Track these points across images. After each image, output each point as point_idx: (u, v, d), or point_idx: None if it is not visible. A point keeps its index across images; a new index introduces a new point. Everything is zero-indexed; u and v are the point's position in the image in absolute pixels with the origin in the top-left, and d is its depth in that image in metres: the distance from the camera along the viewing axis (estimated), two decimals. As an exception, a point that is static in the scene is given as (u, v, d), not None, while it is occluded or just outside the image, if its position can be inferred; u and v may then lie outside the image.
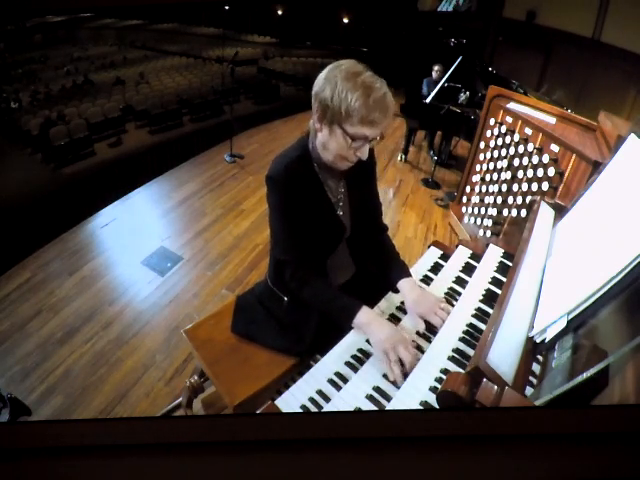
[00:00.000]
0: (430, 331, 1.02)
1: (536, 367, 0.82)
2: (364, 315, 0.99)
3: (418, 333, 1.03)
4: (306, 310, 1.13)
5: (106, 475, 0.86)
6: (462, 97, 3.72)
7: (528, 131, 2.33)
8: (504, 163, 2.53)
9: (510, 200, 2.44)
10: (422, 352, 0.97)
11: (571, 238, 1.09)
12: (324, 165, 1.05)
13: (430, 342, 0.99)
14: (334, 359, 0.98)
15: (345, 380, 0.93)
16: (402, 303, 1.13)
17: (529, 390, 0.78)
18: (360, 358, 0.98)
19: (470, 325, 1.01)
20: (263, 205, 3.17)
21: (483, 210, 2.72)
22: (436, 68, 3.93)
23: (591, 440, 0.80)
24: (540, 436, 0.81)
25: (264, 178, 1.04)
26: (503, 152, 2.57)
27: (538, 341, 0.84)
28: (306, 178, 1.03)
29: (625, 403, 0.63)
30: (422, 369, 0.91)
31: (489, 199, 2.66)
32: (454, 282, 1.18)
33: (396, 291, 1.13)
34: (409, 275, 1.12)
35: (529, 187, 2.25)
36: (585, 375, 0.66)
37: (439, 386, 0.84)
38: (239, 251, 2.65)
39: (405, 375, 0.90)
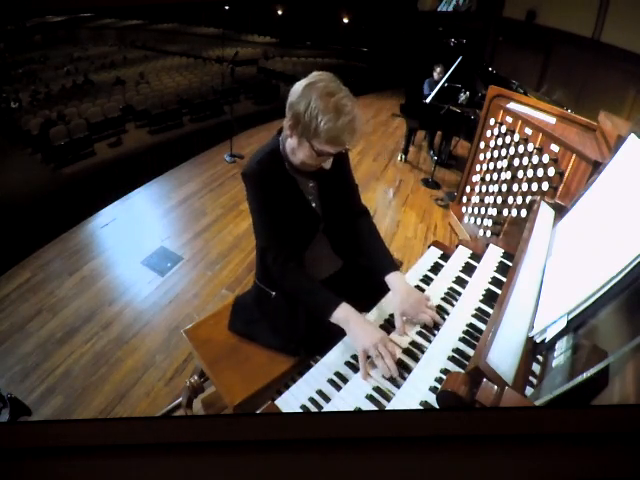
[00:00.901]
0: (430, 331, 1.02)
1: (536, 367, 0.82)
2: (343, 312, 1.00)
3: (419, 333, 1.02)
4: (294, 307, 1.15)
5: (106, 475, 0.86)
6: (462, 97, 3.72)
7: (528, 131, 2.33)
8: (504, 163, 2.53)
9: (510, 200, 2.43)
10: (422, 352, 0.97)
11: (571, 238, 1.09)
12: (291, 162, 1.09)
13: (430, 342, 0.99)
14: (334, 359, 0.98)
15: (345, 380, 0.93)
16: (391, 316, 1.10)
17: (529, 390, 0.78)
18: (360, 358, 0.98)
19: (470, 325, 1.01)
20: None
21: (483, 210, 2.72)
22: (438, 69, 3.93)
23: (591, 440, 0.80)
24: (540, 436, 0.81)
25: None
26: (503, 152, 2.56)
27: (538, 341, 0.84)
28: (277, 173, 1.08)
29: (625, 403, 0.63)
30: (422, 369, 0.91)
31: (489, 199, 2.66)
32: (454, 282, 1.18)
33: (384, 287, 1.12)
34: (396, 268, 1.11)
35: (529, 187, 2.25)
36: (585, 375, 0.66)
37: (439, 386, 0.84)
38: (239, 251, 2.65)
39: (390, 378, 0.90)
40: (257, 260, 1.23)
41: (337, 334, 1.03)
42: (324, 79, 0.98)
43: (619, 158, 1.12)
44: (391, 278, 1.09)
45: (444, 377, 0.84)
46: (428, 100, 3.70)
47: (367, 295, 1.14)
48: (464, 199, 3.05)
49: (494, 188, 2.61)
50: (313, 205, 1.14)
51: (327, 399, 0.89)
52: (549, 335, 0.83)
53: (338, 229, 1.21)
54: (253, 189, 1.08)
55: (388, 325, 1.07)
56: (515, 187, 2.37)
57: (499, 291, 1.09)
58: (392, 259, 1.15)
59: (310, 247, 1.17)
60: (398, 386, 0.89)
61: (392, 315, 1.09)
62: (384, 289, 1.11)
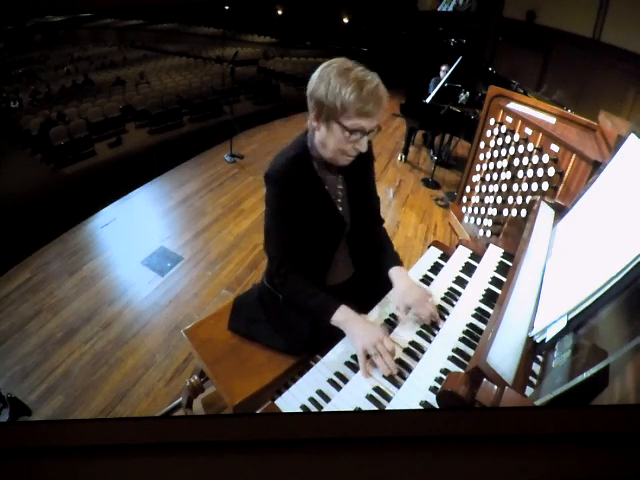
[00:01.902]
0: (430, 331, 1.02)
1: (536, 367, 0.82)
2: (341, 314, 1.00)
3: (419, 333, 1.02)
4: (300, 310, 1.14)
5: (106, 475, 0.86)
6: (462, 97, 3.72)
7: (528, 131, 2.33)
8: (504, 163, 2.53)
9: (510, 200, 2.43)
10: (422, 352, 0.97)
11: (571, 238, 1.09)
12: (323, 162, 1.06)
13: (430, 342, 0.99)
14: (334, 359, 0.98)
15: (345, 380, 0.93)
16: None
17: (529, 390, 0.78)
18: (360, 358, 0.98)
19: (470, 325, 1.01)
20: (263, 205, 3.15)
21: (483, 210, 2.72)
22: (443, 68, 3.93)
23: (591, 440, 0.80)
24: (540, 436, 0.81)
25: (263, 177, 1.06)
26: (503, 152, 2.56)
27: (538, 341, 0.84)
28: (305, 176, 1.05)
29: (625, 403, 0.63)
30: (422, 369, 0.91)
31: (489, 199, 2.66)
32: (454, 282, 1.18)
33: (388, 284, 1.13)
34: (399, 263, 1.13)
35: (529, 187, 2.25)
36: (585, 375, 0.66)
37: (439, 386, 0.84)
38: (239, 251, 2.65)
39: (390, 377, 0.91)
40: (267, 264, 1.22)
41: (338, 334, 1.03)
42: (338, 60, 0.97)
43: (619, 158, 1.12)
44: (394, 272, 1.10)
45: (444, 377, 0.84)
46: (428, 100, 3.70)
47: (374, 302, 1.14)
48: (464, 199, 3.05)
49: (494, 188, 2.61)
50: (340, 209, 1.11)
51: (327, 399, 0.89)
52: (549, 335, 0.83)
53: (360, 236, 1.19)
54: (276, 193, 1.04)
55: (389, 324, 1.07)
56: (515, 187, 2.37)
57: (499, 291, 1.09)
58: (397, 256, 1.16)
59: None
60: (398, 386, 0.89)
61: (392, 315, 1.09)
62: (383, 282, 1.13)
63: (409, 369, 0.92)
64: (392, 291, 1.11)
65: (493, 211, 2.58)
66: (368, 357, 0.94)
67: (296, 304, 1.09)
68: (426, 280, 1.20)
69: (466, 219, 2.92)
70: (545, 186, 2.12)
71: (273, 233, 1.10)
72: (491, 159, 2.70)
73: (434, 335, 1.00)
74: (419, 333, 1.02)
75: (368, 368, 0.93)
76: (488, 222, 2.64)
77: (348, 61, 0.97)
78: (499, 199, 2.55)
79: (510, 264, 1.17)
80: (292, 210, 1.04)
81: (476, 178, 2.86)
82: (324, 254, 1.14)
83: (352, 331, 0.98)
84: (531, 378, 0.81)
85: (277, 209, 1.06)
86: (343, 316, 1.00)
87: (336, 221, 1.12)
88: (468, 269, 1.22)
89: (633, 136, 1.09)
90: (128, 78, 5.90)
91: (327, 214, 1.10)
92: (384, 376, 0.92)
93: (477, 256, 1.27)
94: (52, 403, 1.69)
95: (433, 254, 1.31)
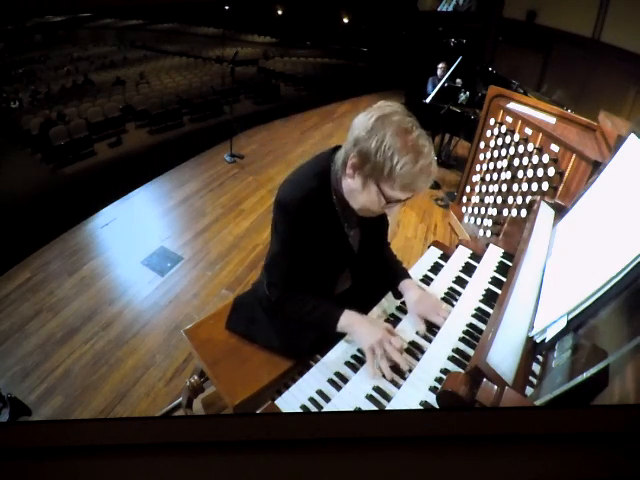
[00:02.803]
0: (430, 331, 1.03)
1: (536, 367, 0.82)
2: (345, 318, 1.00)
3: (418, 333, 1.03)
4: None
5: (106, 475, 0.86)
6: (462, 97, 3.72)
7: (528, 131, 2.33)
8: (504, 163, 2.53)
9: (510, 200, 2.43)
10: (422, 352, 0.97)
11: (571, 238, 1.09)
12: (344, 202, 1.00)
13: (430, 342, 0.99)
14: (334, 359, 0.98)
15: (345, 380, 0.93)
16: (403, 303, 1.13)
17: (529, 390, 0.78)
18: (360, 358, 0.98)
19: (470, 325, 1.01)
20: (263, 205, 3.17)
21: (483, 210, 2.72)
22: (440, 65, 3.92)
23: (591, 440, 0.80)
24: (540, 436, 0.81)
25: (274, 203, 1.00)
26: (503, 152, 2.56)
27: (538, 341, 0.84)
28: (322, 210, 0.99)
29: (625, 403, 0.63)
30: (422, 369, 0.91)
31: (489, 199, 2.66)
32: (454, 282, 1.18)
33: (398, 295, 1.14)
34: (409, 277, 1.13)
35: (529, 187, 2.25)
36: (585, 375, 0.66)
37: (439, 386, 0.84)
38: (239, 251, 2.65)
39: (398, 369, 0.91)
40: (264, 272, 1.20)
41: (337, 335, 1.03)
42: (398, 111, 0.88)
43: (619, 158, 1.12)
44: (405, 283, 1.10)
45: (444, 377, 0.84)
46: (428, 100, 3.70)
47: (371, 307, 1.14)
48: (464, 199, 3.05)
49: (494, 188, 2.61)
50: (350, 240, 1.08)
51: (327, 399, 0.89)
52: (549, 335, 0.83)
53: (366, 265, 1.17)
54: (288, 223, 0.98)
55: (392, 321, 1.08)
56: (515, 187, 2.37)
57: (499, 291, 1.09)
58: (405, 270, 1.15)
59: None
60: (398, 386, 0.89)
61: (392, 315, 1.10)
62: (395, 295, 1.13)
63: (409, 369, 0.92)
64: (405, 299, 1.11)
65: (493, 211, 2.58)
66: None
67: (299, 321, 1.07)
68: (426, 280, 1.20)
69: (466, 219, 2.92)
70: (545, 186, 2.12)
71: (279, 260, 1.06)
72: (491, 159, 2.70)
73: (434, 335, 1.00)
74: (419, 333, 1.02)
75: (376, 368, 0.92)
76: (488, 222, 2.64)
77: (408, 116, 0.88)
78: (499, 199, 2.55)
79: (510, 264, 1.17)
80: (302, 240, 1.00)
81: (476, 178, 2.86)
82: (328, 279, 1.14)
83: (358, 333, 0.97)
84: (531, 378, 0.81)
85: (287, 240, 1.01)
86: (347, 320, 1.00)
87: (345, 251, 1.09)
88: (468, 269, 1.22)
89: (633, 136, 1.09)
90: (128, 78, 5.89)
91: (337, 244, 1.07)
92: (384, 376, 0.92)
93: (477, 256, 1.27)
94: (52, 403, 1.69)
95: (433, 254, 1.31)
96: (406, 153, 0.84)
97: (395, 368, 0.92)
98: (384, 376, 0.91)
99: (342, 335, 1.02)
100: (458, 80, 3.70)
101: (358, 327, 0.98)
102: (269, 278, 1.09)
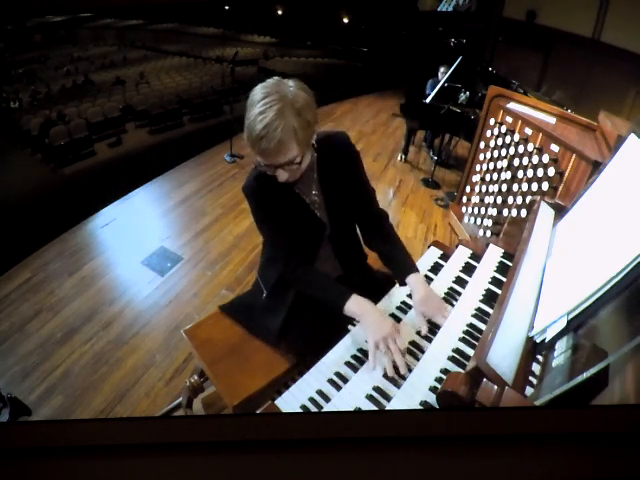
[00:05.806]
0: (430, 331, 1.02)
1: (536, 367, 0.82)
2: (354, 304, 1.00)
3: (419, 333, 1.03)
4: (278, 307, 1.18)
5: (106, 475, 0.86)
6: (462, 97, 3.72)
7: (528, 131, 2.33)
8: (504, 163, 2.53)
9: (510, 200, 2.43)
10: (422, 352, 0.97)
11: (571, 238, 1.09)
12: None
13: (430, 342, 0.99)
14: (334, 359, 0.98)
15: (345, 380, 0.93)
16: (402, 303, 1.13)
17: (529, 390, 0.78)
18: (360, 358, 0.98)
19: (470, 325, 1.01)
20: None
21: (483, 210, 2.72)
22: (442, 70, 3.92)
23: (591, 440, 0.80)
24: (540, 436, 0.81)
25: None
26: (503, 152, 2.56)
27: (538, 341, 0.84)
28: (275, 186, 1.03)
29: (625, 403, 0.63)
30: (422, 369, 0.91)
31: (489, 199, 2.66)
32: (454, 282, 1.18)
33: (387, 284, 1.16)
34: (417, 270, 1.11)
35: (529, 187, 2.25)
36: (585, 375, 0.66)
37: (439, 386, 0.84)
38: (239, 251, 2.65)
39: (396, 370, 0.91)
40: (261, 260, 1.27)
41: (337, 335, 1.03)
42: (264, 84, 0.94)
43: (619, 158, 1.12)
44: (412, 279, 1.09)
45: (444, 377, 0.84)
46: (428, 100, 3.70)
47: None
48: (464, 199, 3.05)
49: (494, 188, 2.61)
50: (317, 214, 1.12)
51: (327, 399, 0.89)
52: (549, 335, 0.83)
53: (344, 236, 1.20)
54: (253, 204, 1.09)
55: (396, 316, 1.09)
56: (515, 187, 2.37)
57: (499, 291, 1.09)
58: (413, 262, 1.14)
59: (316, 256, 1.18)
60: (398, 386, 0.89)
61: (392, 315, 1.10)
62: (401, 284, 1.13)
63: (409, 369, 0.92)
64: (396, 290, 1.13)
65: (493, 211, 2.58)
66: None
67: (310, 296, 1.09)
68: (426, 280, 1.20)
69: (466, 219, 2.92)
70: (545, 186, 2.12)
71: (268, 237, 1.15)
72: (491, 159, 2.70)
73: (434, 335, 1.00)
74: (419, 333, 1.02)
75: (376, 361, 0.93)
76: (488, 222, 2.64)
77: (265, 87, 0.93)
78: (499, 199, 2.55)
79: (510, 264, 1.17)
80: (274, 216, 1.08)
81: (476, 178, 2.86)
82: (307, 254, 1.15)
83: (366, 322, 0.98)
84: (531, 378, 0.81)
85: (261, 217, 1.10)
86: (358, 306, 1.00)
87: (314, 224, 1.13)
88: (468, 269, 1.22)
89: (633, 136, 1.09)
90: (128, 78, 5.89)
91: (304, 218, 1.11)
92: (384, 376, 0.92)
93: (477, 256, 1.27)
94: (52, 403, 1.69)
95: (433, 254, 1.31)
96: (249, 119, 0.91)
97: (394, 368, 0.92)
98: (384, 373, 0.92)
99: (342, 335, 1.03)
100: (458, 85, 3.70)
101: (368, 316, 0.98)
102: (270, 255, 1.19)
